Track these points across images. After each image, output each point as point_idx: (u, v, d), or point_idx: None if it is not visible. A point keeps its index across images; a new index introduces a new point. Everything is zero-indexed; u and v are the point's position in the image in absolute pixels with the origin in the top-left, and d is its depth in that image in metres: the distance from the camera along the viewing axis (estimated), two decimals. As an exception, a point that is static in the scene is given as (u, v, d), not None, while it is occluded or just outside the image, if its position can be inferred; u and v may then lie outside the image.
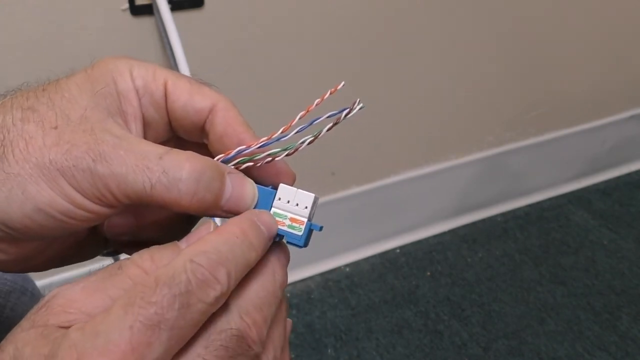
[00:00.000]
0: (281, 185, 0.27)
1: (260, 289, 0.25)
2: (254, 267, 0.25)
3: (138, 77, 0.27)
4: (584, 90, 1.35)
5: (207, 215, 0.26)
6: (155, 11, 0.80)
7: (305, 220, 0.27)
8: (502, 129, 1.29)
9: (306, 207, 0.27)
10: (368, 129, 1.12)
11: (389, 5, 0.99)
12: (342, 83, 0.26)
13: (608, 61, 1.34)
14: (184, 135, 0.29)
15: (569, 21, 1.21)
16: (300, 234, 0.27)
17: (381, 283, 1.22)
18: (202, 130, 0.28)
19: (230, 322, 0.23)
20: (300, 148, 0.27)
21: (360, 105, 0.26)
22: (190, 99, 0.27)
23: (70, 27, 0.78)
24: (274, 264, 0.26)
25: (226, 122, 0.27)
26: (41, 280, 0.91)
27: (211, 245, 0.23)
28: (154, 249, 0.25)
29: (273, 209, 0.27)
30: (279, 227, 0.26)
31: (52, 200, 0.24)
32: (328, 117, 0.26)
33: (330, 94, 0.26)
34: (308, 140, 0.27)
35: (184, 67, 0.76)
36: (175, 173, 0.24)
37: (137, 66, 0.27)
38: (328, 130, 0.26)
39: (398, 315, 1.14)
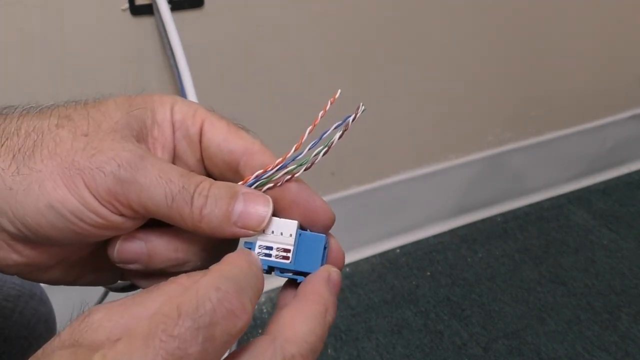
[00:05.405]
0: None
1: (309, 333, 0.23)
2: (304, 301, 0.24)
3: (178, 112, 0.28)
4: (584, 90, 1.35)
5: (223, 236, 0.26)
6: (155, 11, 0.80)
7: (292, 248, 0.26)
8: (502, 129, 1.29)
9: (291, 235, 0.27)
10: (368, 129, 1.12)
11: (389, 6, 1.00)
12: (339, 91, 0.27)
13: (608, 61, 1.34)
14: (217, 174, 0.29)
15: (568, 21, 1.21)
16: (289, 262, 0.26)
17: (381, 283, 1.22)
18: (234, 171, 0.28)
19: None
20: (316, 161, 0.27)
21: (363, 108, 0.27)
22: (225, 139, 0.28)
23: (70, 27, 0.78)
24: (327, 301, 0.25)
25: (263, 165, 0.27)
26: (41, 280, 0.91)
27: (230, 273, 0.22)
28: None
29: (258, 242, 0.26)
30: (269, 259, 0.26)
31: (65, 198, 0.24)
32: (335, 127, 0.27)
33: (331, 104, 0.27)
34: (323, 152, 0.27)
35: (184, 67, 0.76)
36: (190, 188, 0.25)
37: (181, 102, 0.29)
38: (339, 138, 0.27)
39: (398, 315, 1.14)
